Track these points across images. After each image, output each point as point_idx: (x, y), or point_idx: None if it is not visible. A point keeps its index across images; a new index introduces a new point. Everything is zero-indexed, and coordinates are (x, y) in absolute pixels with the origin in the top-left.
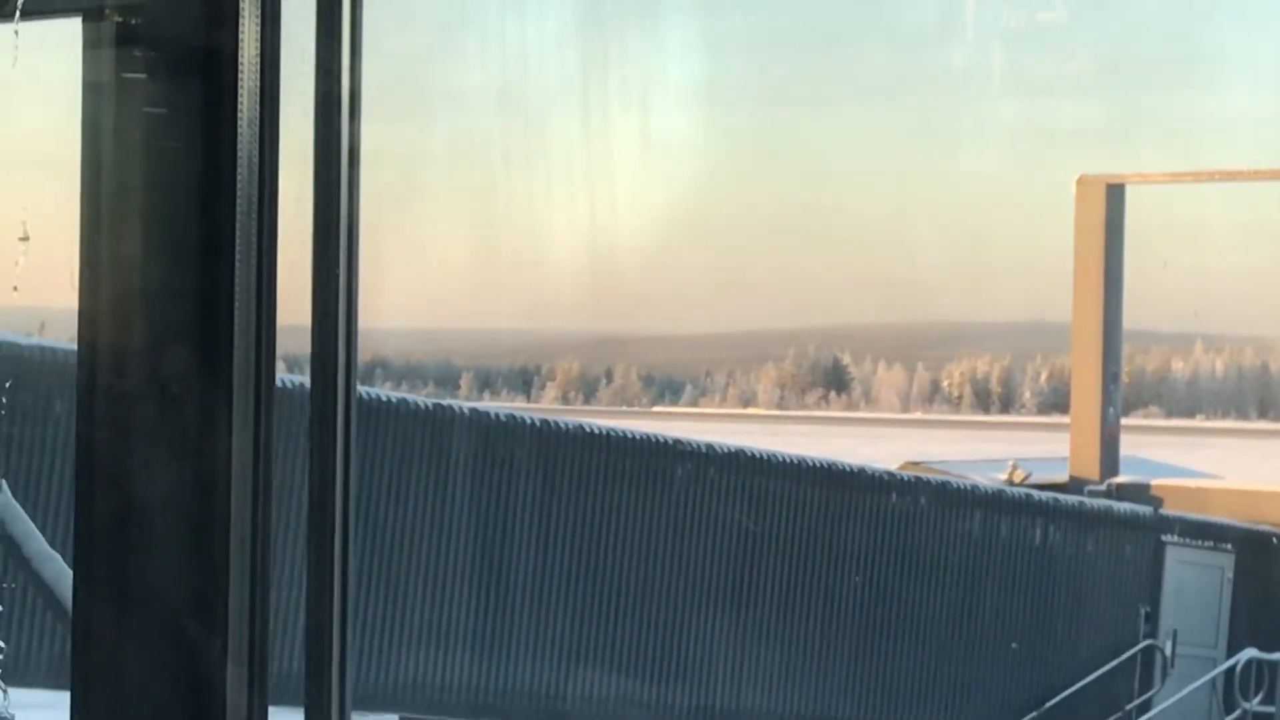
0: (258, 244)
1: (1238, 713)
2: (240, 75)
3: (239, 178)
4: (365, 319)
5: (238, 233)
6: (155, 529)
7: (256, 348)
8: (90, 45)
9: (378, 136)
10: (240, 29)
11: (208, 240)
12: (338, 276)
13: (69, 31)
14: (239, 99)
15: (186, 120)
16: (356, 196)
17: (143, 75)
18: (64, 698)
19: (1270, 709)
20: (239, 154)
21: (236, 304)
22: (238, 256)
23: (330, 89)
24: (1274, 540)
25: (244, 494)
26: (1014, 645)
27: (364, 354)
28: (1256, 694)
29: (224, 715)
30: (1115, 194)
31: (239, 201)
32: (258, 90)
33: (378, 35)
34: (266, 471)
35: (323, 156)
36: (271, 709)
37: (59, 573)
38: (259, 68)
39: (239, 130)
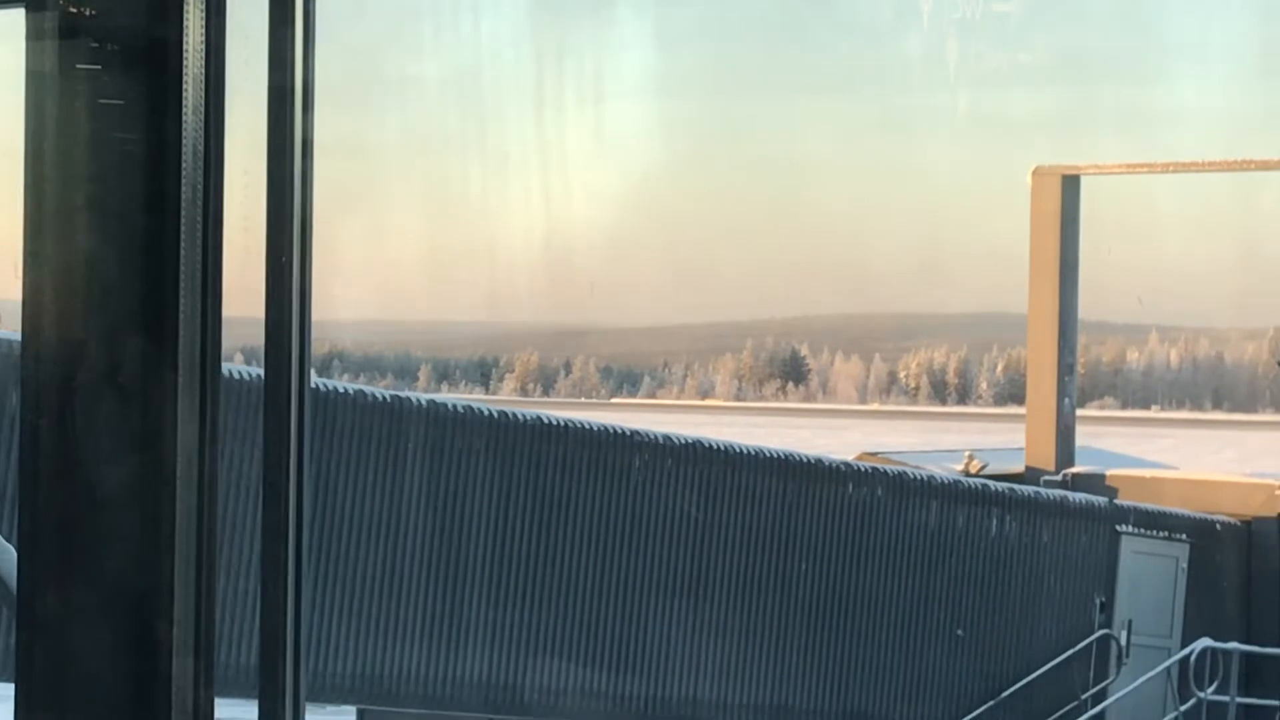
0: (203, 235)
1: (1192, 702)
2: (185, 65)
3: (184, 168)
4: (322, 311)
5: (183, 224)
6: (101, 520)
7: (202, 339)
8: (34, 36)
9: (331, 128)
10: (185, 19)
11: (153, 231)
12: (291, 268)
13: (12, 23)
14: (184, 89)
15: (131, 111)
16: (309, 188)
17: (87, 66)
18: (8, 690)
19: (1224, 698)
20: (184, 145)
21: (182, 295)
22: (183, 248)
23: (282, 80)
24: (1228, 530)
25: (190, 485)
26: (959, 632)
27: (322, 346)
28: (1211, 683)
29: (170, 706)
30: (1070, 185)
31: (184, 192)
32: (203, 80)
33: (331, 26)
34: (213, 462)
35: (275, 148)
36: (228, 701)
37: (8, 563)
38: (204, 57)
39: (184, 121)
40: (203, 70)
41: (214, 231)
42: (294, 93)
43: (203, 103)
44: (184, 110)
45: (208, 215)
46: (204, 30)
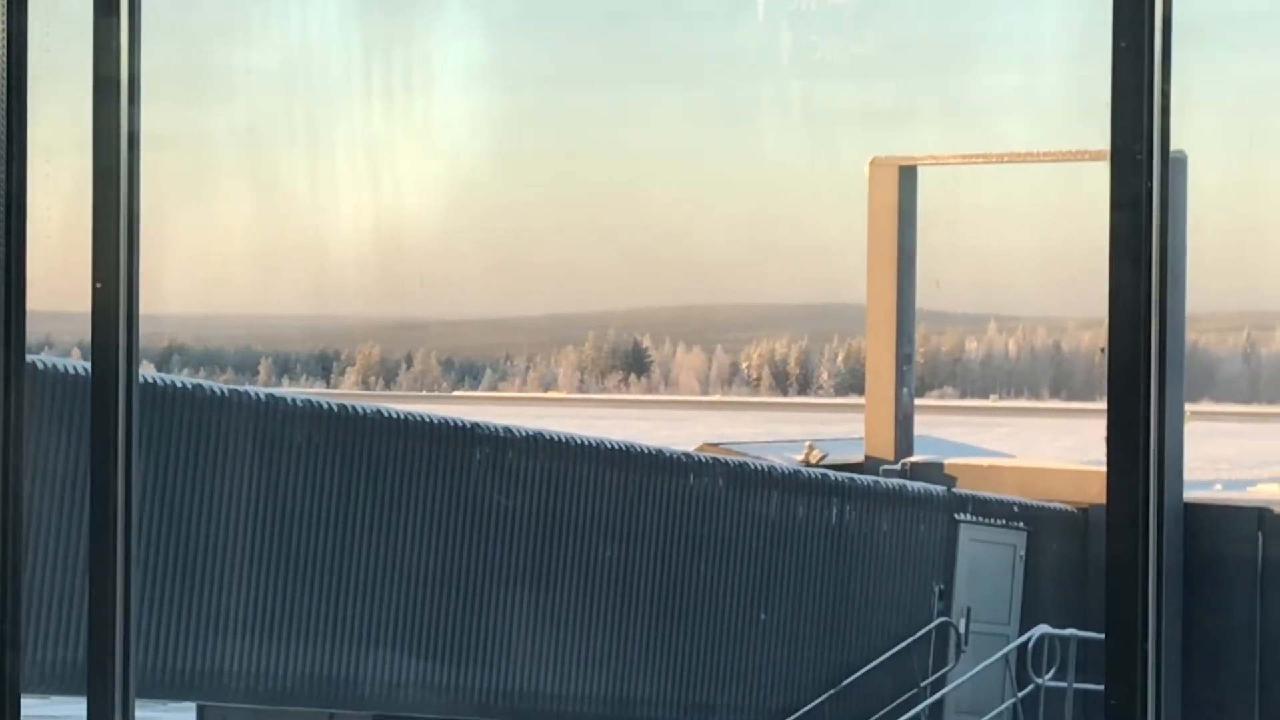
0: (6, 226)
1: (1030, 688)
2: None
3: None
4: (161, 305)
5: None
6: None
7: (5, 332)
8: None
9: (159, 119)
10: None
11: None
12: (118, 262)
13: None
14: None
15: None
16: (136, 180)
17: None
18: None
19: (1062, 684)
20: None
21: None
22: None
23: (108, 70)
24: (1065, 517)
25: None
26: (762, 617)
27: (161, 340)
28: (1049, 669)
29: None
30: (908, 176)
31: None
32: (3, 69)
33: (156, 16)
34: (17, 456)
35: (101, 140)
36: (62, 699)
37: None
38: (4, 47)
39: None
40: (2, 59)
41: (17, 224)
42: (120, 84)
43: (2, 92)
44: None
45: (10, 207)
46: (4, 18)
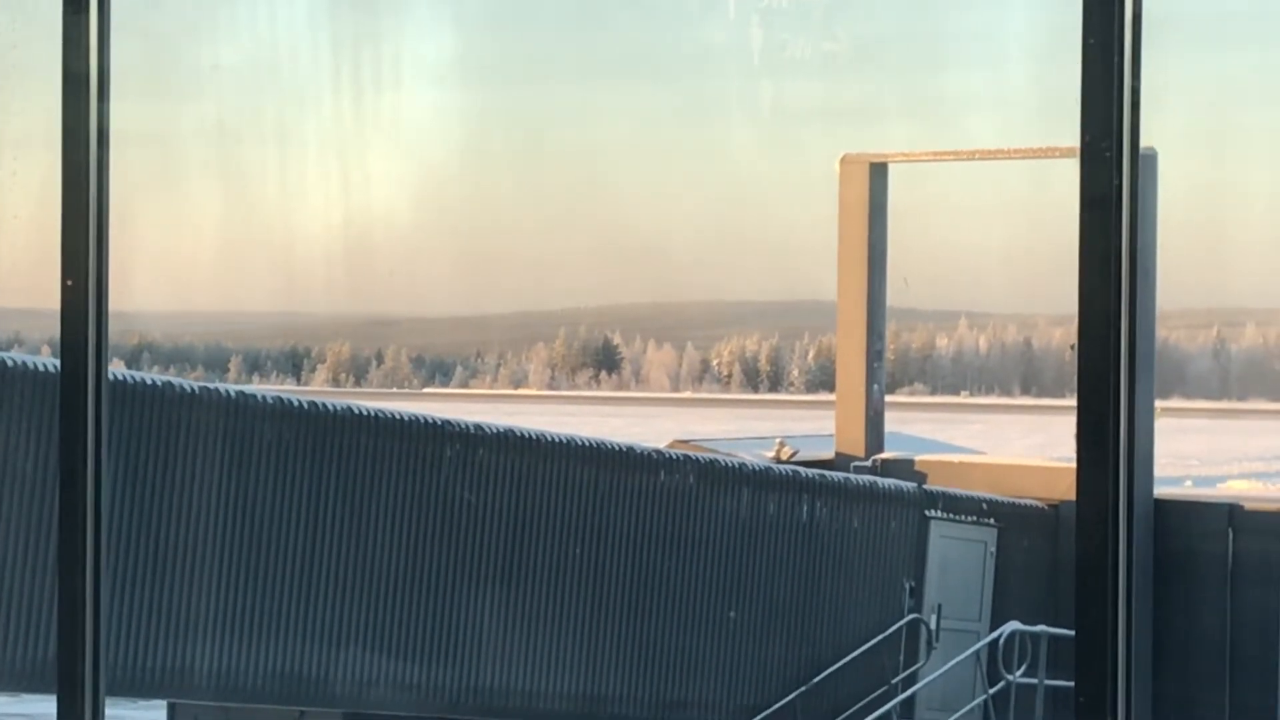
0: None
1: (1001, 684)
2: None
3: None
4: (130, 303)
5: None
6: None
7: None
8: None
9: (128, 116)
10: None
11: None
12: (86, 260)
13: None
14: None
15: None
16: (106, 177)
17: None
18: None
19: (1033, 680)
20: None
21: None
22: None
23: (77, 67)
24: (1035, 514)
25: None
26: (731, 614)
27: (130, 337)
28: (1019, 666)
29: None
30: (878, 173)
31: None
32: None
33: (125, 12)
34: None
35: (70, 137)
36: (33, 697)
37: None
38: None
39: None
40: None
41: None
42: (89, 80)
43: None
44: None
45: None
46: None
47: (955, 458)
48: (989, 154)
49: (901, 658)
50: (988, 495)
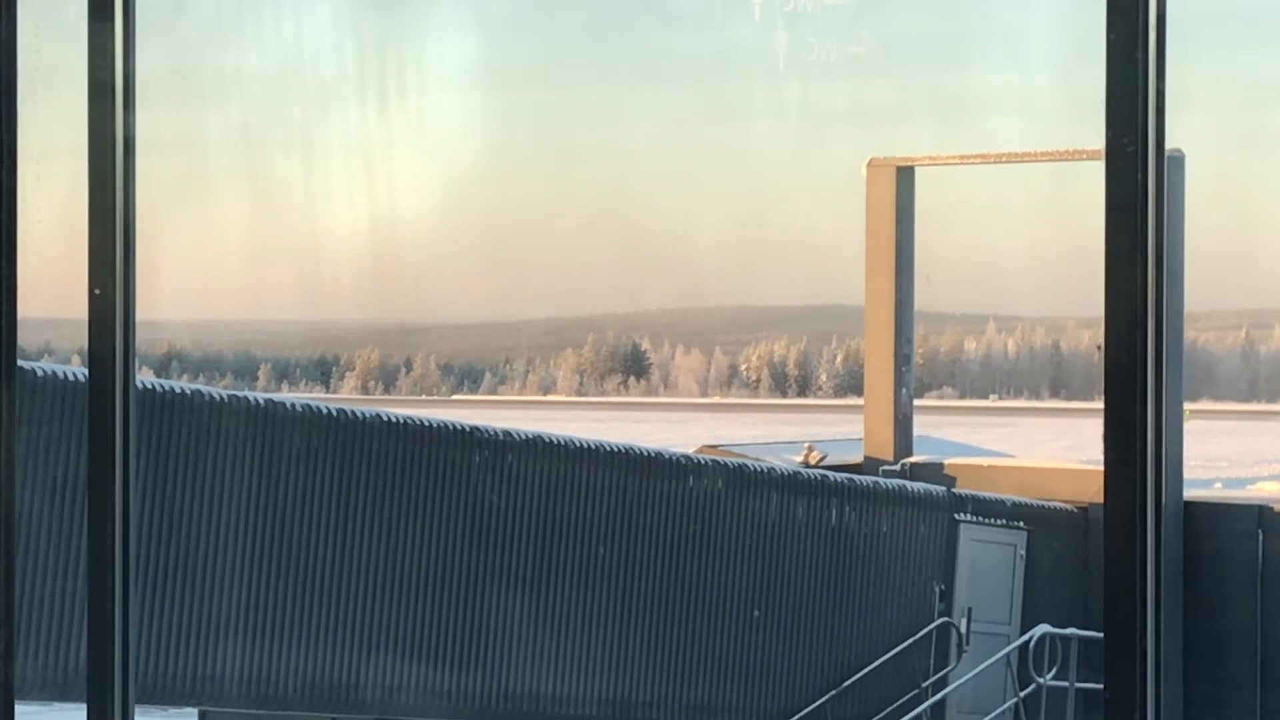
0: None
1: (1032, 688)
2: None
3: None
4: (159, 311)
5: None
6: None
7: None
8: None
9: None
10: None
11: None
12: (114, 268)
13: None
14: None
15: None
16: (132, 185)
17: None
18: None
19: (1063, 683)
20: None
21: None
22: None
23: (102, 75)
24: (1065, 516)
25: None
26: (756, 613)
27: (159, 346)
28: (1050, 669)
29: None
30: (905, 176)
31: None
32: None
33: (149, 18)
34: (10, 459)
35: (96, 145)
36: (64, 705)
37: None
38: None
39: None
40: None
41: (7, 229)
42: (114, 88)
43: None
44: None
45: None
46: None
47: (984, 461)
48: (1015, 156)
49: (932, 661)
50: (1017, 498)
